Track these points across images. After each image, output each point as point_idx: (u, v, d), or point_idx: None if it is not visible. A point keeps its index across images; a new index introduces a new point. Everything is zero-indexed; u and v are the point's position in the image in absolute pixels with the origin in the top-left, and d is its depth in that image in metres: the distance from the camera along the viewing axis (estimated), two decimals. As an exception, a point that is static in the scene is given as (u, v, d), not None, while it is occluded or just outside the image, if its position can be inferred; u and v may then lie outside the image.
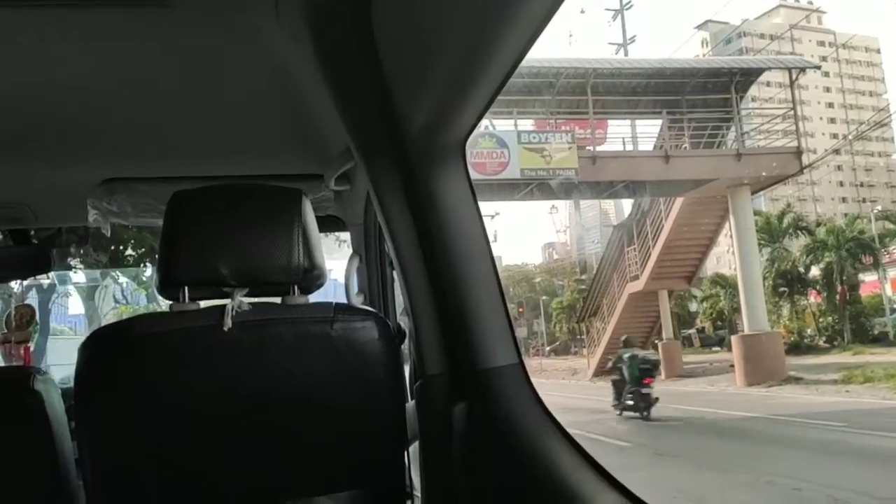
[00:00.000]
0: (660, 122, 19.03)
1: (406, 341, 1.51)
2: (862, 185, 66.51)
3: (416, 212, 1.27)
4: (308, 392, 1.29)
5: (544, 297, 45.14)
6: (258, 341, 1.27)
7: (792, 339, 24.38)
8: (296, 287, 1.32)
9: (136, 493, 1.27)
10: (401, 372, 1.39)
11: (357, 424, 1.33)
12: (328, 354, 1.30)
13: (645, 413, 13.01)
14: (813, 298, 27.39)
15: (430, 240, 1.26)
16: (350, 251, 2.25)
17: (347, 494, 1.33)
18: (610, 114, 19.22)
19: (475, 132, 1.29)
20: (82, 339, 1.24)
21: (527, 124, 18.34)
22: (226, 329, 1.23)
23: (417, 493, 1.44)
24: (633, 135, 19.47)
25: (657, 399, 13.11)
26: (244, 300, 1.28)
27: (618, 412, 13.70)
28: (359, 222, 2.14)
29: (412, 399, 1.42)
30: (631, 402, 13.36)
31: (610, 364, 15.93)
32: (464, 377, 1.23)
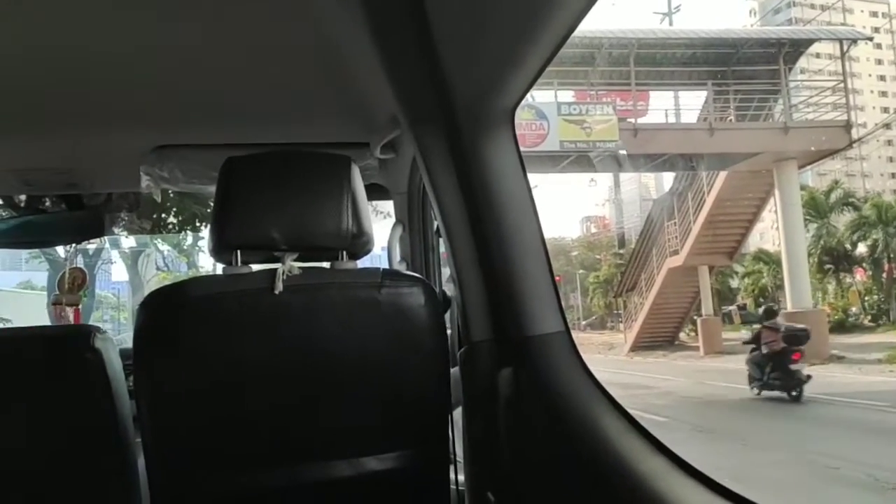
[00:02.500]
0: (704, 93, 18.63)
1: (450, 308, 1.53)
2: (913, 160, 64.47)
3: (464, 180, 1.28)
4: (355, 355, 1.32)
5: (581, 271, 44.85)
6: (308, 305, 1.29)
7: (836, 317, 23.90)
8: (344, 252, 1.35)
9: (190, 451, 1.31)
10: (446, 337, 1.41)
11: (403, 388, 1.36)
12: (375, 319, 1.32)
13: (794, 393, 11.07)
14: (859, 276, 26.78)
15: (477, 207, 1.27)
16: (384, 220, 2.27)
17: (393, 456, 1.36)
18: (653, 85, 18.86)
19: (519, 103, 1.29)
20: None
21: (567, 96, 18.10)
22: (277, 292, 1.27)
23: (460, 458, 1.46)
24: (676, 107, 19.11)
25: (809, 377, 11.22)
26: (294, 264, 1.30)
27: (756, 391, 12.00)
28: (403, 190, 2.16)
29: (455, 365, 1.44)
30: (776, 381, 11.44)
31: (749, 336, 13.73)
32: (509, 344, 1.25)
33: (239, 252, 1.30)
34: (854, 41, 19.79)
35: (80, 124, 1.83)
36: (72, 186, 2.20)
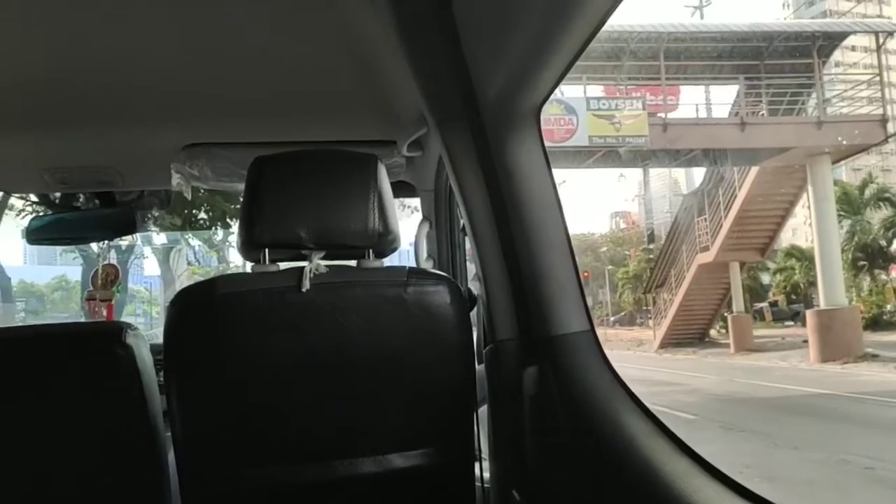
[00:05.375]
0: (736, 87, 18.38)
1: (476, 306, 1.53)
2: (951, 155, 62.99)
3: (490, 177, 1.28)
4: (382, 353, 1.33)
5: (610, 267, 44.58)
6: (334, 303, 1.31)
7: (870, 314, 23.48)
8: (370, 251, 1.36)
9: (219, 447, 1.33)
10: (471, 335, 1.41)
11: (428, 386, 1.36)
12: (402, 317, 1.33)
13: None
14: (894, 273, 26.28)
15: (502, 205, 1.27)
16: (413, 216, 2.28)
17: (418, 453, 1.37)
18: (683, 79, 18.64)
19: (547, 99, 1.28)
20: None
21: (596, 90, 17.98)
22: (304, 290, 1.28)
23: (485, 455, 1.46)
24: (706, 101, 18.90)
25: None
26: (321, 263, 1.32)
27: None
28: (430, 188, 2.16)
29: (480, 363, 1.44)
30: None
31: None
32: (534, 343, 1.24)
33: (267, 250, 1.32)
34: (890, 34, 19.35)
35: (112, 123, 1.86)
36: (104, 184, 2.24)
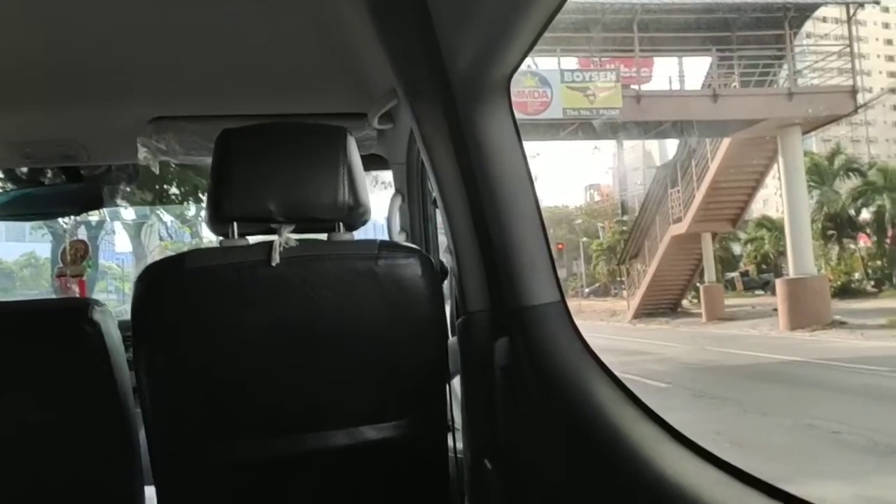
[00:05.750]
0: (708, 59, 18.45)
1: (448, 279, 1.53)
2: (919, 125, 63.78)
3: (460, 150, 1.28)
4: (353, 326, 1.33)
5: (584, 239, 44.84)
6: (305, 277, 1.30)
7: (839, 283, 23.93)
8: (341, 224, 1.35)
9: (190, 422, 1.33)
10: (443, 308, 1.42)
11: (401, 358, 1.37)
12: (373, 290, 1.33)
13: None
14: (862, 242, 26.76)
15: (473, 178, 1.27)
16: (387, 189, 2.27)
17: (391, 425, 1.38)
18: (656, 51, 18.66)
19: (517, 71, 1.28)
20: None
21: (570, 63, 17.94)
22: (274, 264, 1.27)
23: (458, 426, 1.48)
24: (680, 73, 18.96)
25: None
26: (291, 236, 1.31)
27: None
28: (402, 161, 2.15)
29: (453, 335, 1.45)
30: None
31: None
32: (506, 314, 1.25)
33: (236, 224, 1.31)
34: (861, 5, 19.52)
35: (76, 97, 1.82)
36: (69, 159, 2.20)
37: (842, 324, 16.89)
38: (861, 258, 26.37)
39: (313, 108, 1.96)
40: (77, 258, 2.99)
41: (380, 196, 2.40)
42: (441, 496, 1.47)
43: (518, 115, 1.29)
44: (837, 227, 26.36)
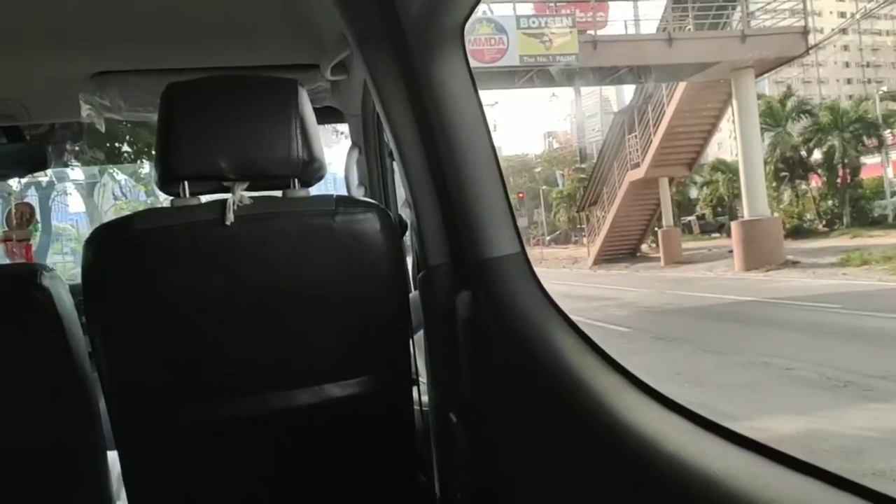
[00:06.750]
0: (663, 2, 18.41)
1: (408, 233, 1.51)
2: (868, 65, 64.79)
3: (415, 100, 1.25)
4: (312, 284, 1.31)
5: (544, 187, 45.06)
6: (260, 235, 1.27)
7: (792, 223, 24.50)
8: (296, 180, 1.32)
9: (149, 386, 1.30)
10: (403, 262, 1.40)
11: (362, 315, 1.36)
12: (331, 247, 1.30)
13: None
14: (814, 183, 27.34)
15: (429, 128, 1.24)
16: (347, 141, 2.22)
17: (355, 382, 1.37)
18: (612, -5, 18.54)
19: (472, 18, 1.24)
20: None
21: (526, 9, 17.73)
22: (228, 223, 1.24)
23: (423, 378, 1.48)
24: (635, 17, 18.88)
25: None
26: (245, 194, 1.27)
27: None
28: (357, 113, 2.10)
29: (415, 289, 1.44)
30: None
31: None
32: (466, 267, 1.24)
33: (186, 183, 1.27)
34: (813, -56, 19.53)
35: (11, 51, 1.73)
36: (8, 118, 2.10)
37: (794, 263, 17.35)
38: (813, 198, 26.97)
39: (263, 59, 1.89)
40: (23, 222, 2.90)
41: (342, 147, 2.34)
42: (408, 449, 1.48)
43: (474, 63, 1.27)
44: (790, 168, 26.86)
